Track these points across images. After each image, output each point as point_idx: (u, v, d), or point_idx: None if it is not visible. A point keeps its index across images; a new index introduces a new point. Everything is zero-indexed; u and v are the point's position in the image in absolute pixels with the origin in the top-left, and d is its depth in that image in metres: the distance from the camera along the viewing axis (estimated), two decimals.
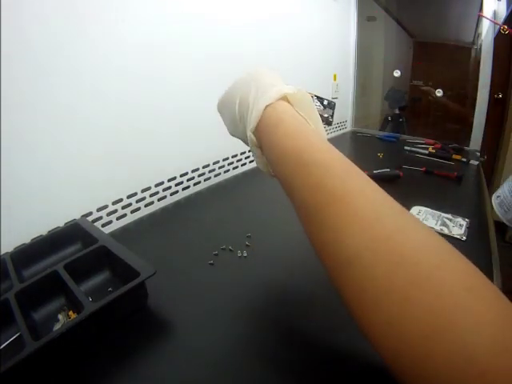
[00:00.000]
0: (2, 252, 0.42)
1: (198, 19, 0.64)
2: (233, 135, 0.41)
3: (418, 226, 0.21)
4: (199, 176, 0.73)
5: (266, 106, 0.30)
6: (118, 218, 0.58)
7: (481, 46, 1.11)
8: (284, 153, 0.27)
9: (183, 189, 0.70)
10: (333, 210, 0.22)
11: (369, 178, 0.25)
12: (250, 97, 0.32)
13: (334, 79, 1.22)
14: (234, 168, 0.82)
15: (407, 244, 0.20)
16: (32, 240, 0.45)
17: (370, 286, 0.19)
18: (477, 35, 1.37)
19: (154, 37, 0.57)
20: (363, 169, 0.73)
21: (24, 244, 0.44)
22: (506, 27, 1.03)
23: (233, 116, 0.35)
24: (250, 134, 0.30)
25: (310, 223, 0.24)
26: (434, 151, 0.99)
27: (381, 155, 0.99)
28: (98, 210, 0.54)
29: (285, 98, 0.31)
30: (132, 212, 0.60)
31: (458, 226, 0.55)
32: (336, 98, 1.26)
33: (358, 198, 0.23)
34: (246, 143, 0.38)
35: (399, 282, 0.18)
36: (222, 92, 0.38)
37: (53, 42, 0.44)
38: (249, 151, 0.86)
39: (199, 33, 0.65)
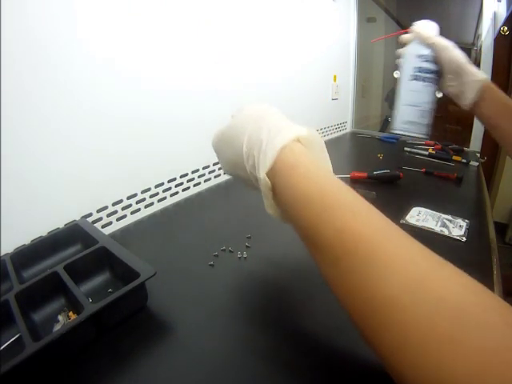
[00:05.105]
0: (2, 253, 0.42)
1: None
2: (230, 173, 0.40)
3: (447, 266, 0.21)
4: (199, 177, 0.73)
5: (282, 147, 0.29)
6: (117, 219, 0.58)
7: (481, 47, 1.11)
8: (305, 195, 0.27)
9: (183, 190, 0.70)
10: (362, 252, 0.22)
11: (389, 220, 0.25)
12: (261, 135, 0.31)
13: (334, 80, 1.22)
14: None
15: (443, 283, 0.20)
16: (32, 241, 0.45)
17: (412, 328, 0.19)
18: (477, 36, 1.38)
19: (158, 37, 0.57)
20: (363, 170, 0.74)
21: (24, 245, 0.44)
22: (505, 28, 1.03)
23: (237, 154, 0.34)
24: (263, 175, 0.29)
25: (336, 267, 0.24)
26: (433, 152, 0.99)
27: (381, 156, 0.99)
28: (98, 211, 0.54)
29: (296, 139, 0.31)
30: (132, 213, 0.60)
31: (457, 227, 0.55)
32: (336, 99, 1.26)
33: (388, 240, 0.23)
34: (248, 183, 0.37)
35: (443, 323, 0.18)
36: (217, 127, 0.37)
37: (55, 42, 0.44)
38: None
39: (204, 34, 0.65)
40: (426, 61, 0.66)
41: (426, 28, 0.66)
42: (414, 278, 0.20)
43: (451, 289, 0.19)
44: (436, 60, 0.65)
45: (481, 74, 0.59)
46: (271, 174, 0.29)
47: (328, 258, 0.24)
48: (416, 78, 0.69)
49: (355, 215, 0.24)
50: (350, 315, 0.23)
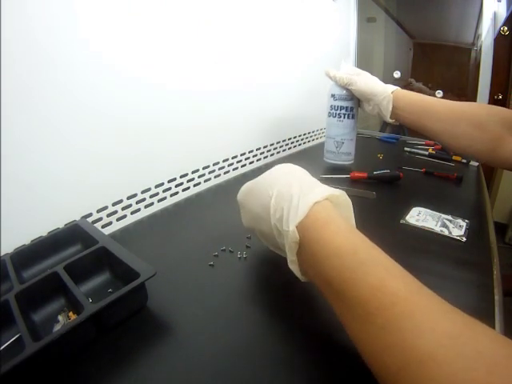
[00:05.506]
0: (2, 253, 0.42)
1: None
2: (251, 228, 0.42)
3: (477, 321, 0.22)
4: (199, 177, 0.73)
5: (314, 203, 0.30)
6: (118, 219, 0.58)
7: (481, 47, 1.11)
8: (337, 251, 0.27)
9: (183, 190, 0.70)
10: (399, 310, 0.23)
11: (415, 278, 0.26)
12: (292, 191, 0.32)
13: None
14: (233, 169, 0.82)
15: (478, 338, 0.21)
16: (32, 241, 0.45)
17: (448, 382, 0.19)
18: (477, 36, 1.37)
19: (160, 36, 0.57)
20: (363, 170, 0.74)
21: (24, 245, 0.44)
22: (505, 28, 1.03)
23: (263, 207, 0.35)
24: (293, 228, 0.30)
25: (368, 323, 0.24)
26: (433, 152, 0.99)
27: (381, 156, 0.99)
28: (98, 211, 0.54)
29: (326, 197, 0.32)
30: (132, 213, 0.60)
31: (457, 227, 0.55)
32: None
33: (421, 297, 0.23)
34: (268, 238, 0.38)
35: (480, 375, 0.19)
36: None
37: (54, 42, 0.44)
38: (249, 152, 0.86)
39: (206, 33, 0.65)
40: (336, 99, 0.78)
41: (340, 69, 0.78)
42: (451, 334, 0.21)
43: (486, 344, 0.20)
44: (351, 95, 0.75)
45: (388, 89, 0.67)
46: (300, 228, 0.30)
47: (359, 314, 0.25)
48: (331, 115, 0.81)
49: (389, 272, 0.25)
50: (378, 370, 0.24)
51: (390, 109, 0.66)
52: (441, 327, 0.21)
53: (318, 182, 0.36)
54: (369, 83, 0.71)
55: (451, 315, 0.22)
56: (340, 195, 0.33)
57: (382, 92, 0.67)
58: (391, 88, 0.67)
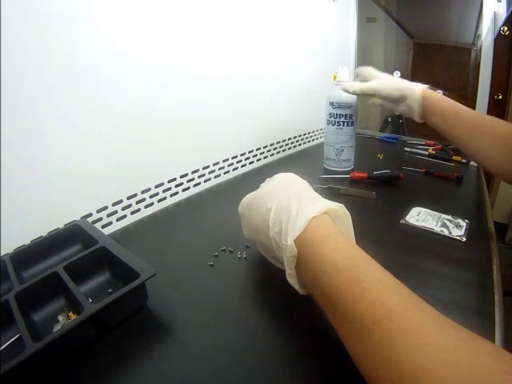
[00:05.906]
0: (2, 253, 0.42)
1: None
2: (251, 238, 0.42)
3: (474, 336, 0.22)
4: (199, 177, 0.73)
5: (313, 217, 0.30)
6: (117, 219, 0.58)
7: (481, 47, 1.11)
8: (335, 266, 0.28)
9: (183, 190, 0.70)
10: (394, 325, 0.23)
11: (413, 292, 0.26)
12: (291, 204, 0.32)
13: (334, 80, 1.21)
14: (233, 169, 0.82)
15: (474, 354, 0.20)
16: (32, 241, 0.45)
17: None
18: (477, 36, 1.38)
19: (158, 33, 0.57)
20: (363, 170, 0.74)
21: (24, 245, 0.45)
22: (505, 28, 1.03)
23: (262, 220, 0.35)
24: (291, 242, 0.30)
25: (365, 337, 0.24)
26: (434, 152, 0.99)
27: (381, 156, 0.99)
28: (98, 211, 0.54)
29: (325, 211, 0.32)
30: (132, 213, 0.60)
31: (457, 227, 0.55)
32: None
33: (418, 312, 0.23)
34: (268, 251, 0.38)
35: None
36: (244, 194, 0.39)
37: (54, 40, 0.44)
38: (249, 152, 0.86)
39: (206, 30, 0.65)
40: (335, 107, 0.76)
41: (338, 75, 0.77)
42: (446, 349, 0.21)
43: (481, 359, 0.20)
44: (350, 102, 0.74)
45: (416, 90, 0.64)
46: (298, 242, 0.30)
47: (356, 329, 0.25)
48: (329, 123, 0.79)
49: (386, 288, 0.25)
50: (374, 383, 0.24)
51: (420, 111, 0.64)
52: (436, 342, 0.21)
53: (318, 194, 0.35)
54: (398, 85, 0.66)
55: (447, 330, 0.22)
56: (338, 209, 0.33)
57: (413, 88, 0.64)
58: (418, 88, 0.64)
